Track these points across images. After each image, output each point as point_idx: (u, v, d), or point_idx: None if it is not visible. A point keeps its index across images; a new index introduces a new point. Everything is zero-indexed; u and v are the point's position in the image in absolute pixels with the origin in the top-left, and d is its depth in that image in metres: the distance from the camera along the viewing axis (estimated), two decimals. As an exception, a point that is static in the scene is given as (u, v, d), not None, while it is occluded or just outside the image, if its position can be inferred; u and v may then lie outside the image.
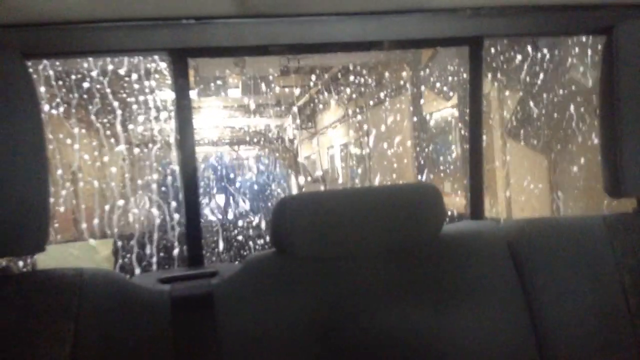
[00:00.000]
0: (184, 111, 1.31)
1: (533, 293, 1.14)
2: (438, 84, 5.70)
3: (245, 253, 4.40)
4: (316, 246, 1.13)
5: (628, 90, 1.17)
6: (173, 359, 1.02)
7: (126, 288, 1.08)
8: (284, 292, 1.11)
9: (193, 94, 6.47)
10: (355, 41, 1.32)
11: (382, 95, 6.91)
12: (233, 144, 10.13)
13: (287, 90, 7.72)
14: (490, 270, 1.17)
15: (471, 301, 1.13)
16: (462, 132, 5.10)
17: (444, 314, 1.12)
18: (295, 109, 9.25)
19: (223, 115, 8.77)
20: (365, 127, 7.77)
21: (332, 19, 1.27)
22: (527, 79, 4.27)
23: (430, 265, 1.16)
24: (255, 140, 9.62)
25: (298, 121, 9.94)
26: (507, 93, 4.46)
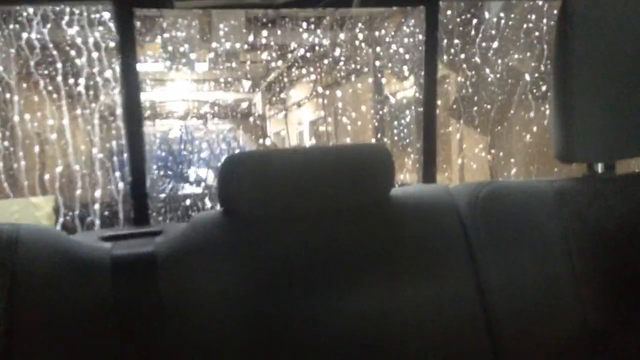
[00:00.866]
0: (129, 66, 1.23)
1: (480, 257, 1.11)
2: (396, 66, 5.68)
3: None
4: (262, 205, 1.08)
5: (581, 56, 1.13)
6: (114, 317, 0.97)
7: (65, 245, 1.01)
8: (229, 252, 1.05)
9: (160, 66, 6.36)
10: None
11: (347, 74, 6.89)
12: (201, 118, 10.02)
13: (255, 65, 7.63)
14: (438, 233, 1.13)
15: (419, 264, 1.10)
16: (417, 94, 5.10)
17: (390, 276, 1.08)
18: (263, 85, 9.17)
19: (191, 89, 8.65)
20: (332, 105, 7.75)
21: None
22: (483, 44, 4.26)
23: (378, 226, 1.12)
24: (223, 114, 9.53)
25: (267, 97, 9.87)
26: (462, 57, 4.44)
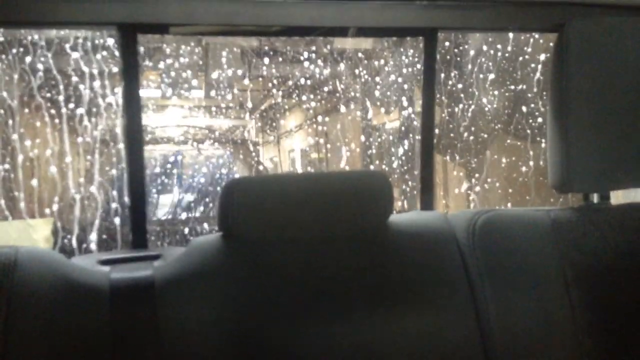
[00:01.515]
0: (131, 90, 1.22)
1: (478, 285, 1.09)
2: (380, 99, 5.72)
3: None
4: (262, 229, 1.06)
5: (578, 87, 1.13)
6: (111, 341, 0.94)
7: (63, 269, 0.99)
8: (228, 276, 1.03)
9: (157, 93, 6.37)
10: (312, 25, 1.26)
11: (337, 105, 6.93)
12: (196, 143, 9.99)
13: (250, 94, 7.65)
14: (437, 260, 1.12)
15: (417, 291, 1.08)
16: (415, 122, 5.11)
17: (388, 304, 1.06)
18: (257, 113, 9.19)
19: (186, 115, 8.64)
20: (323, 134, 7.77)
21: (288, 2, 1.20)
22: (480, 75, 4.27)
23: (377, 253, 1.10)
24: (219, 140, 9.52)
25: (260, 124, 9.88)
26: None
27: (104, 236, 3.31)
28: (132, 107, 1.23)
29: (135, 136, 1.24)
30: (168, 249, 1.19)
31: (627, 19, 1.16)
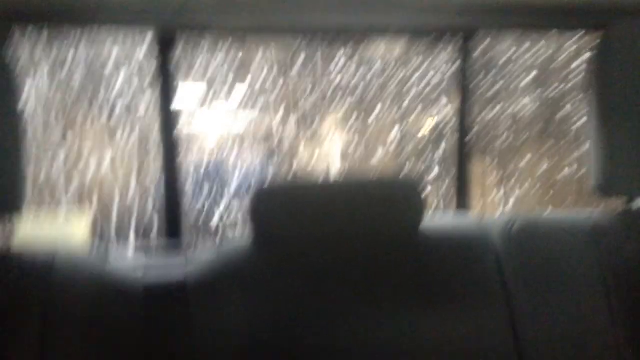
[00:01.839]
0: (166, 86, 1.22)
1: (514, 292, 1.05)
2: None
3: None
4: (292, 238, 1.04)
5: (620, 89, 1.08)
6: (144, 348, 0.95)
7: (98, 276, 0.99)
8: (258, 283, 1.02)
9: (198, 93, 6.40)
10: (345, 29, 1.23)
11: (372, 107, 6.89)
12: (235, 146, 10.06)
13: (288, 94, 7.64)
14: (471, 267, 1.08)
15: (451, 299, 1.05)
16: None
17: (423, 312, 1.03)
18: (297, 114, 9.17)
19: (227, 118, 8.71)
20: (361, 134, 7.72)
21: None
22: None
23: (410, 261, 1.07)
24: (258, 141, 9.54)
25: (299, 125, 9.87)
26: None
27: (142, 230, 3.32)
28: (168, 107, 1.22)
29: (171, 144, 1.25)
30: (200, 252, 1.19)
31: None
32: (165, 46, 1.21)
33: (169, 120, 1.22)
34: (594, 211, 1.16)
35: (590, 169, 1.14)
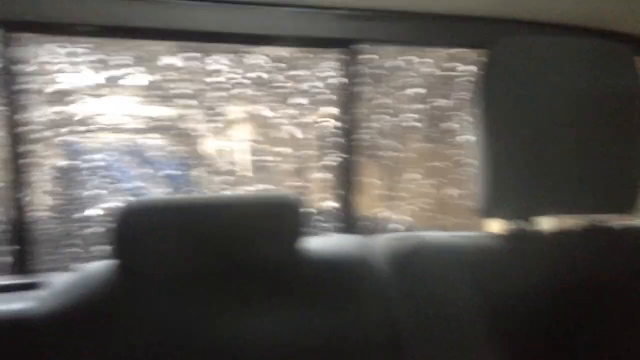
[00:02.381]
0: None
1: (396, 315, 1.00)
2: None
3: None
4: (161, 259, 0.93)
5: (504, 109, 1.04)
6: None
7: None
8: (121, 311, 0.90)
9: (100, 77, 6.07)
10: (225, 32, 1.13)
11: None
12: (137, 133, 9.70)
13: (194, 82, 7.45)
14: (353, 290, 1.01)
15: (332, 322, 0.98)
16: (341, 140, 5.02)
17: (301, 340, 0.95)
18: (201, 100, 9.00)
19: (128, 102, 8.38)
20: (262, 123, 7.69)
21: (196, 4, 1.06)
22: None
23: (285, 282, 0.99)
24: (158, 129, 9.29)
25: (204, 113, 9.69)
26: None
27: None
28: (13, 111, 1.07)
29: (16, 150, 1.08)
30: (53, 276, 1.04)
31: (556, 39, 1.08)
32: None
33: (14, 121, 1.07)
34: (475, 233, 1.14)
35: (474, 189, 1.10)
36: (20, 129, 1.08)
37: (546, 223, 1.18)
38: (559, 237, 1.14)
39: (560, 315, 1.05)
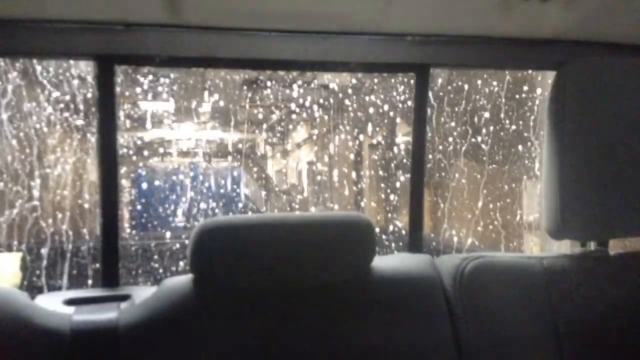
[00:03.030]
0: (107, 120, 1.11)
1: (463, 335, 0.98)
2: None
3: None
4: (236, 276, 0.94)
5: (575, 130, 1.01)
6: None
7: (24, 309, 0.90)
8: (197, 324, 0.92)
9: (170, 106, 6.28)
10: (299, 60, 1.16)
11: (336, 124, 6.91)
12: (207, 157, 9.92)
13: (257, 110, 7.58)
14: (421, 307, 1.00)
15: (399, 340, 0.97)
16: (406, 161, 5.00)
17: (371, 355, 0.95)
18: (264, 127, 9.16)
19: (197, 129, 8.59)
20: (326, 148, 7.75)
21: (273, 36, 1.08)
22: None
23: (358, 301, 0.98)
24: (227, 153, 9.49)
25: (268, 138, 9.85)
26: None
27: (74, 272, 3.11)
28: (108, 138, 1.12)
29: (109, 168, 1.13)
30: (138, 289, 1.08)
31: (627, 60, 1.05)
32: (105, 73, 1.11)
33: (107, 147, 1.12)
34: (546, 254, 1.10)
35: (544, 211, 1.08)
36: (114, 153, 1.13)
37: (618, 245, 1.15)
38: (630, 259, 1.09)
39: (632, 339, 1.01)
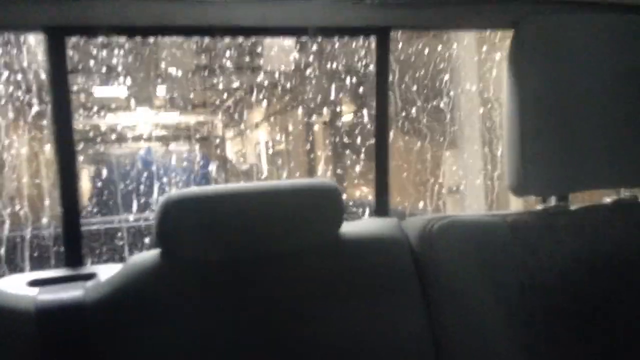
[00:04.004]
0: (60, 95, 1.03)
1: (432, 292, 0.97)
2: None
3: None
4: (202, 248, 0.90)
5: (534, 87, 0.99)
6: None
7: None
8: (166, 298, 0.87)
9: (124, 90, 6.09)
10: (256, 26, 1.09)
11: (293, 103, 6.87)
12: (164, 140, 9.71)
13: (213, 91, 7.44)
14: (390, 269, 0.98)
15: (371, 301, 0.96)
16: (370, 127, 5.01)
17: (342, 316, 0.94)
18: (223, 108, 9.02)
19: (153, 114, 8.39)
20: (283, 127, 7.72)
21: (229, 1, 1.02)
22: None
23: (329, 266, 0.96)
24: (184, 137, 9.33)
25: (225, 120, 9.71)
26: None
27: (36, 253, 2.97)
28: (62, 113, 1.04)
29: (66, 145, 1.05)
30: (103, 268, 1.02)
31: (583, 16, 1.03)
32: (55, 45, 1.03)
33: (62, 122, 1.04)
34: (508, 212, 1.09)
35: (506, 168, 1.06)
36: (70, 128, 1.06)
37: (577, 198, 1.14)
38: (589, 211, 1.09)
39: (595, 289, 1.00)
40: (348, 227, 1.02)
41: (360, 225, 1.07)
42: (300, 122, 6.97)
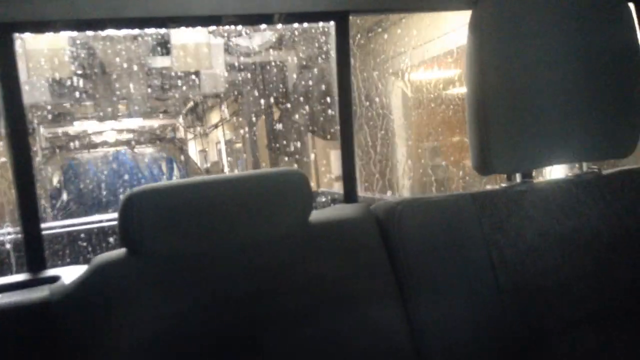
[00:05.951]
0: (11, 95, 0.91)
1: (404, 274, 0.92)
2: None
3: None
4: (170, 243, 0.80)
5: (494, 67, 0.92)
6: None
7: None
8: (133, 296, 0.80)
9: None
10: (214, 14, 0.98)
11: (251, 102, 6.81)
12: (129, 144, 9.43)
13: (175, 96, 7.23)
14: (360, 252, 0.91)
15: (343, 288, 0.90)
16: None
17: (315, 302, 0.87)
18: (183, 112, 8.84)
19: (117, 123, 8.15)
20: (242, 126, 7.64)
21: None
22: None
23: (299, 254, 0.88)
24: (150, 139, 9.10)
25: (187, 122, 9.53)
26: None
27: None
28: (14, 112, 0.92)
29: (20, 145, 0.93)
30: (67, 270, 0.91)
31: None
32: (5, 42, 0.91)
33: (15, 122, 0.93)
34: (474, 191, 1.02)
35: (470, 148, 0.99)
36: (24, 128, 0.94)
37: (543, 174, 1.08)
38: (552, 186, 1.04)
39: (563, 263, 0.96)
40: (318, 214, 0.96)
41: (330, 212, 1.01)
42: (251, 122, 6.94)
